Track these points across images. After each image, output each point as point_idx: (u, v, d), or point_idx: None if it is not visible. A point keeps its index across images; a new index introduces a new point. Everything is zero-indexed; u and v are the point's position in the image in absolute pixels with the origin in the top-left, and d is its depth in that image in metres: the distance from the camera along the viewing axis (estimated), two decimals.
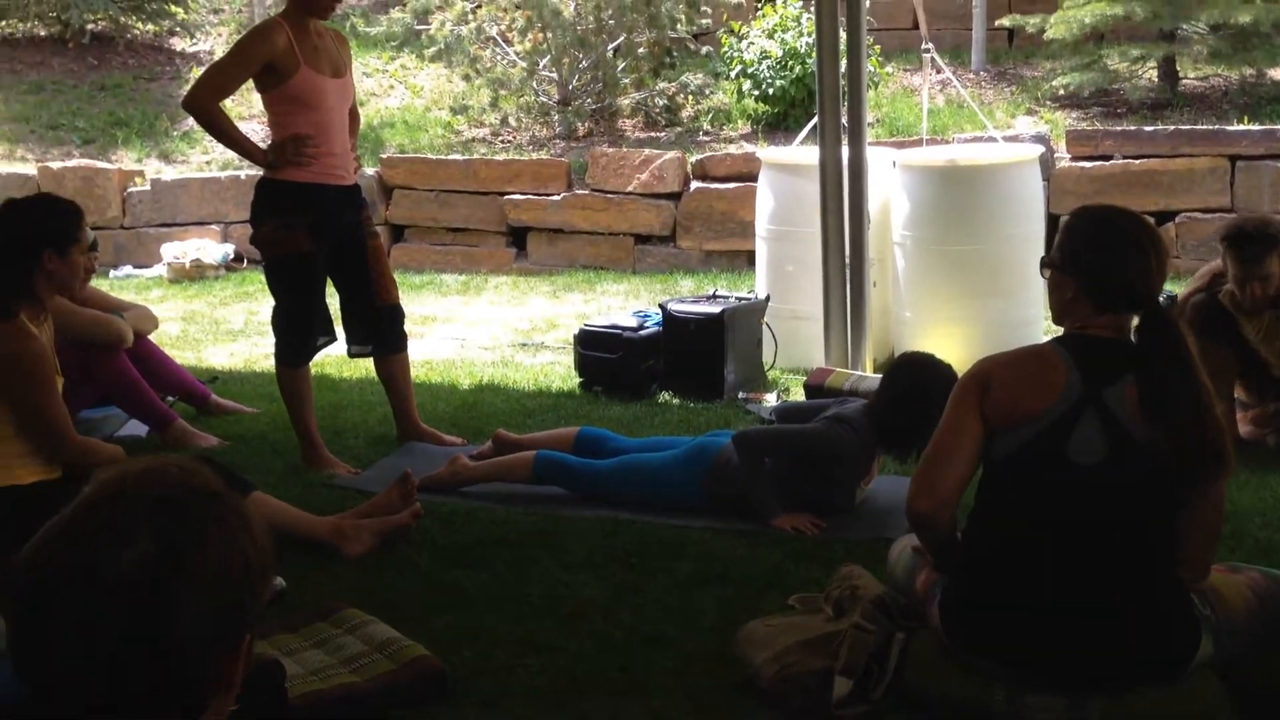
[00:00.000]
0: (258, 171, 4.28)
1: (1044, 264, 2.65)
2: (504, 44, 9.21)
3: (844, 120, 5.13)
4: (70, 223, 3.49)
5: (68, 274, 3.47)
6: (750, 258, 6.74)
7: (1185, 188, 7.25)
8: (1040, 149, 5.96)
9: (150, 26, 11.07)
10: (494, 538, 3.59)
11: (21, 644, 1.09)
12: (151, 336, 4.91)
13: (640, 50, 9.08)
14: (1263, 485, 3.88)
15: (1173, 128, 7.50)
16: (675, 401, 5.06)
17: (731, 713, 2.58)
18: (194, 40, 11.13)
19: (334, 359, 5.30)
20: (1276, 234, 4.08)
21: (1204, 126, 7.49)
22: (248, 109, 9.01)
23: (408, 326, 4.65)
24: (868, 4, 5.33)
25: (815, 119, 5.20)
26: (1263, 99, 7.98)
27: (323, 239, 4.20)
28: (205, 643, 1.09)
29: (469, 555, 3.46)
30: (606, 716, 2.56)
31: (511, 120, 9.26)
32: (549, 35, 8.84)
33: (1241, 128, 7.43)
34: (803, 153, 5.77)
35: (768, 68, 8.40)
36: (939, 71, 7.35)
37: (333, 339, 4.44)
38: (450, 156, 8.62)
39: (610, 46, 9.01)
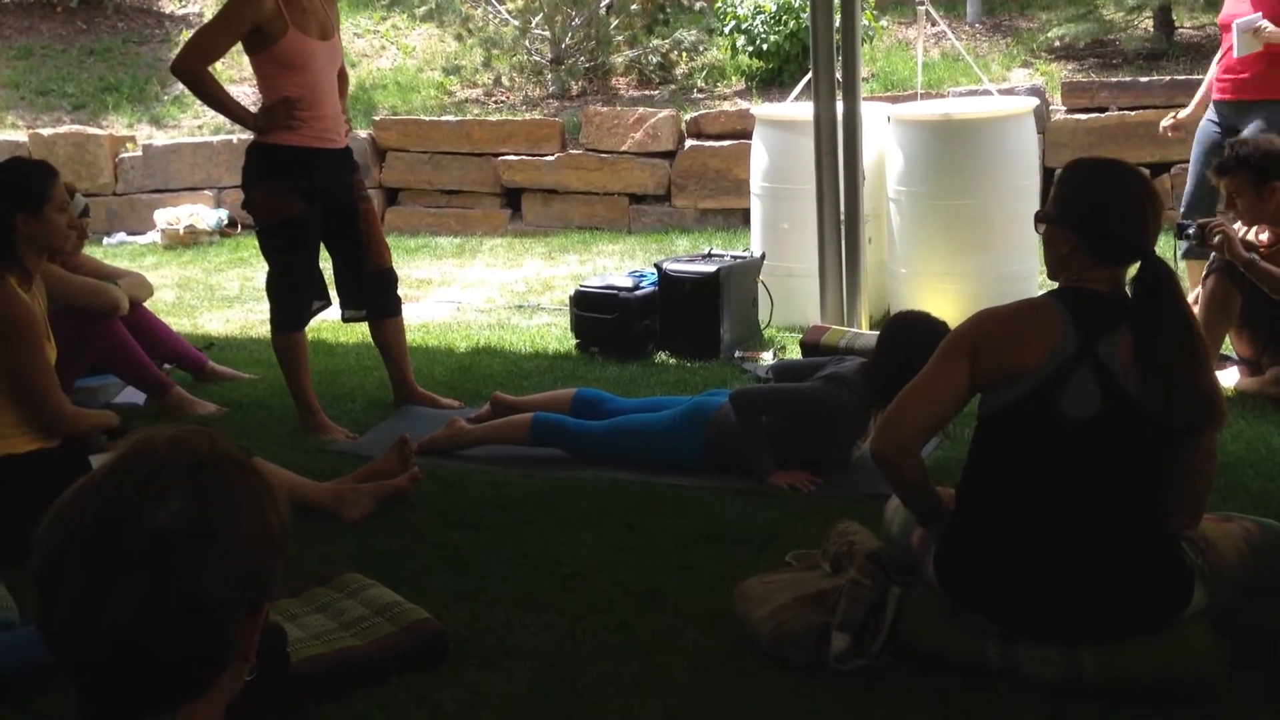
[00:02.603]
0: (250, 135, 4.26)
1: (1039, 218, 2.65)
2: (496, 2, 9.14)
3: (838, 75, 5.09)
4: (39, 182, 3.45)
5: (48, 234, 3.44)
6: (745, 216, 6.72)
7: (1180, 139, 7.21)
8: (1035, 102, 5.93)
9: None
10: (492, 500, 3.61)
11: (46, 599, 1.10)
12: (147, 304, 4.91)
13: (633, 7, 9.01)
14: (1256, 436, 3.90)
15: (1168, 78, 7.46)
16: (672, 361, 5.06)
17: (730, 670, 2.60)
18: (183, 3, 11.03)
19: (330, 324, 5.31)
20: (1246, 156, 4.28)
21: (1200, 76, 7.42)
22: (239, 72, 8.95)
23: (403, 290, 4.64)
24: None
25: (809, 74, 5.17)
26: None
27: (315, 203, 4.18)
28: (228, 606, 1.11)
29: (467, 517, 3.48)
30: (605, 675, 2.58)
31: (504, 80, 9.20)
32: None
33: None
34: (797, 109, 5.74)
35: (762, 23, 8.34)
36: (934, 24, 7.30)
37: (327, 303, 4.44)
38: (443, 118, 8.58)
39: (603, 3, 8.94)
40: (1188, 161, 7.16)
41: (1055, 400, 2.44)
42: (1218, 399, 2.50)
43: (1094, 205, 2.54)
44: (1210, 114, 5.41)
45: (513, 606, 2.91)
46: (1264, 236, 4.38)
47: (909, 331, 3.69)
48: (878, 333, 4.24)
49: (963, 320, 2.66)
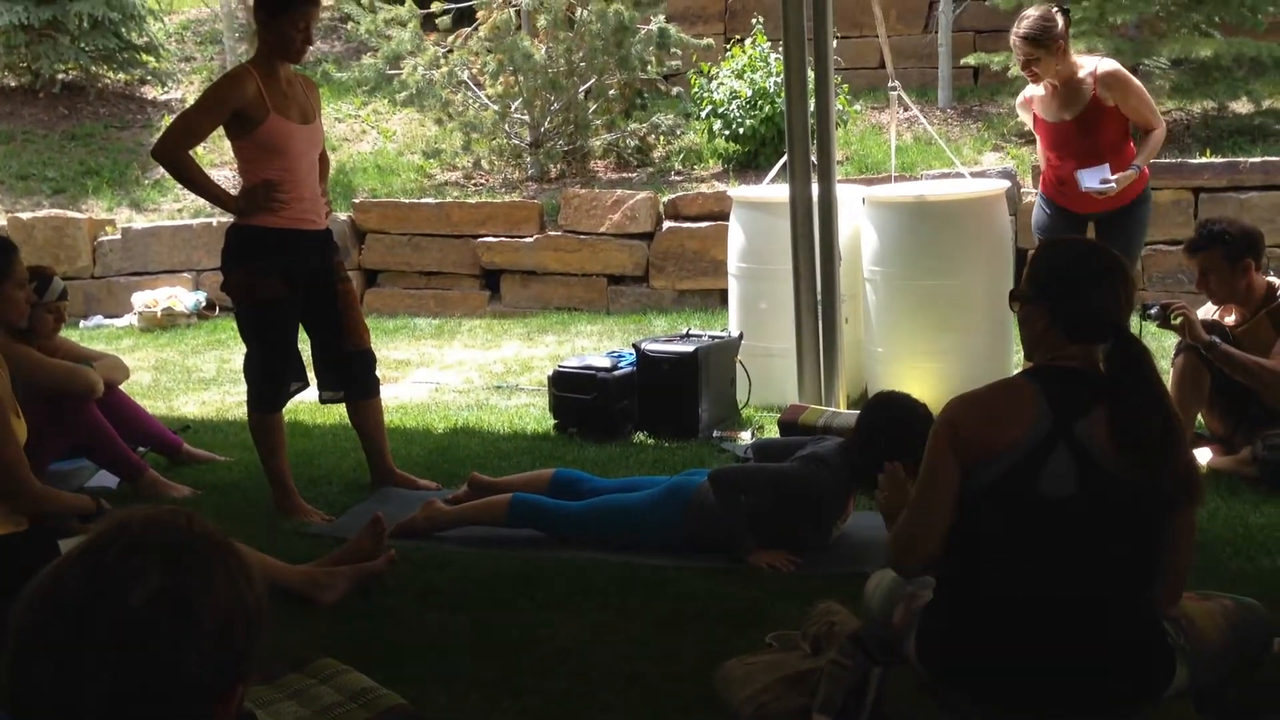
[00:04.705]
0: (230, 218, 4.28)
1: (1013, 297, 2.68)
2: (476, 88, 9.27)
3: (813, 158, 5.17)
4: None
5: (7, 310, 3.42)
6: (723, 296, 6.78)
7: (1150, 220, 7.33)
8: (1007, 184, 6.03)
9: (121, 75, 11.09)
10: (470, 581, 3.57)
11: (17, 680, 1.08)
12: (122, 386, 4.88)
13: (611, 92, 9.16)
14: (1233, 515, 3.92)
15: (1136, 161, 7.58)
16: (650, 441, 5.06)
17: None
18: (165, 89, 11.14)
19: (307, 405, 5.29)
20: (1220, 233, 4.31)
21: (1167, 160, 7.59)
22: (219, 156, 9.02)
23: (381, 371, 4.64)
24: (835, 44, 5.40)
25: (785, 157, 5.25)
26: (1224, 132, 8.11)
27: (294, 284, 4.19)
28: (203, 687, 1.09)
29: (445, 599, 3.44)
30: None
31: (484, 163, 9.30)
32: (520, 78, 8.90)
33: (1204, 160, 7.54)
34: (773, 190, 5.81)
35: (737, 107, 8.48)
36: (906, 109, 7.43)
37: (305, 385, 4.43)
38: (423, 200, 8.65)
39: (581, 89, 9.08)
40: (1157, 243, 7.31)
41: (1033, 479, 2.44)
42: (1195, 477, 2.50)
43: (1065, 282, 2.57)
44: (1050, 208, 5.20)
45: (491, 690, 2.87)
46: (1230, 319, 4.45)
47: (888, 412, 3.69)
48: (856, 412, 4.25)
49: (940, 400, 2.67)
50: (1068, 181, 5.06)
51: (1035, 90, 5.08)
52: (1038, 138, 5.22)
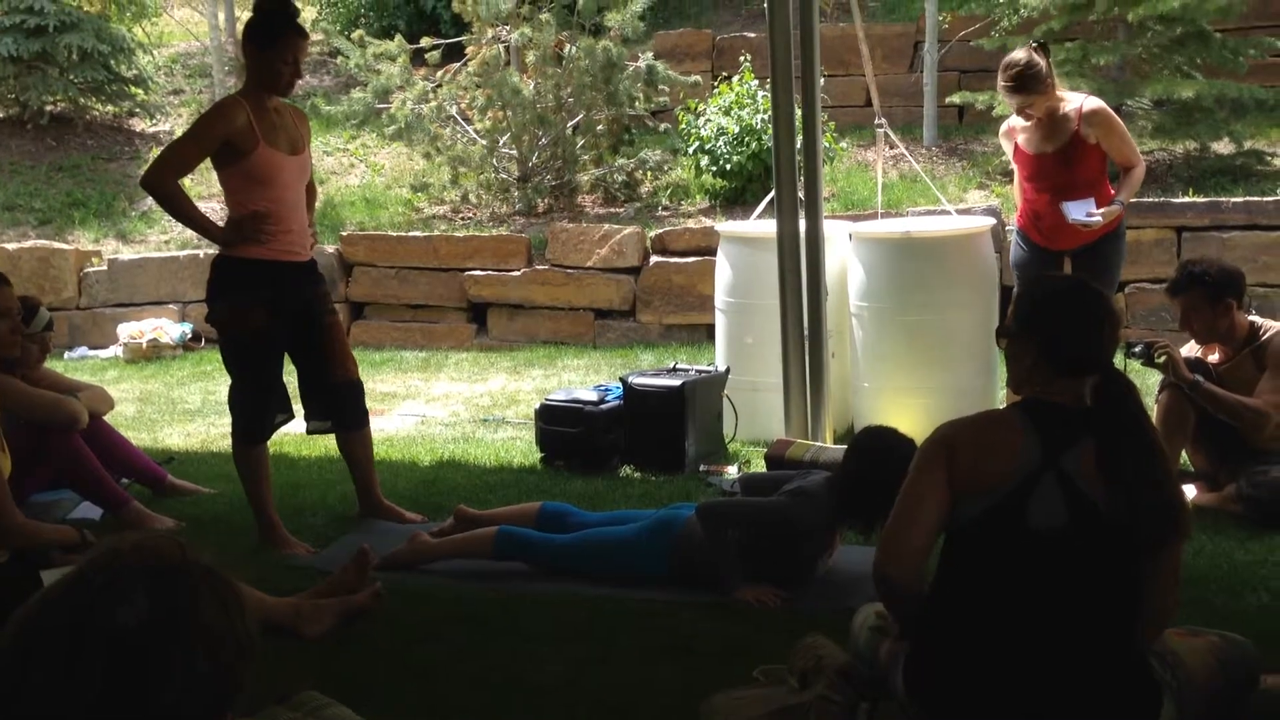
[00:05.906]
0: (216, 250, 4.27)
1: (1000, 333, 2.70)
2: (464, 122, 9.31)
3: (800, 194, 5.20)
4: None
5: None
6: (710, 331, 6.79)
7: (1133, 259, 7.37)
8: (991, 221, 6.07)
9: (110, 108, 11.10)
10: (456, 614, 3.55)
11: (3, 695, 1.07)
12: (107, 417, 4.86)
13: (599, 127, 9.21)
14: (1218, 552, 3.92)
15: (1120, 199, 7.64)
16: (637, 475, 5.05)
17: None
18: (154, 121, 11.16)
19: (293, 437, 5.27)
20: (1200, 274, 4.36)
21: (1150, 199, 7.66)
22: (206, 188, 9.02)
23: (368, 403, 4.63)
24: (822, 82, 5.44)
25: (772, 193, 5.28)
26: (1206, 171, 8.19)
27: (280, 316, 4.19)
28: (189, 710, 1.08)
29: (431, 633, 3.42)
30: None
31: (472, 197, 9.33)
32: (509, 113, 8.95)
33: (1186, 200, 7.61)
34: (760, 226, 5.84)
35: (725, 144, 8.53)
36: (892, 146, 7.50)
37: (291, 416, 4.41)
38: (410, 233, 8.66)
39: (570, 124, 9.13)
40: (1140, 281, 7.37)
41: (1021, 513, 2.45)
42: (1183, 511, 2.51)
43: (1052, 318, 2.59)
44: (1026, 244, 5.21)
45: None
46: (1214, 358, 4.48)
47: (876, 448, 3.69)
48: (842, 447, 4.26)
49: (928, 433, 2.67)
50: (1043, 216, 5.09)
51: (1019, 121, 5.13)
52: (1016, 167, 5.26)
